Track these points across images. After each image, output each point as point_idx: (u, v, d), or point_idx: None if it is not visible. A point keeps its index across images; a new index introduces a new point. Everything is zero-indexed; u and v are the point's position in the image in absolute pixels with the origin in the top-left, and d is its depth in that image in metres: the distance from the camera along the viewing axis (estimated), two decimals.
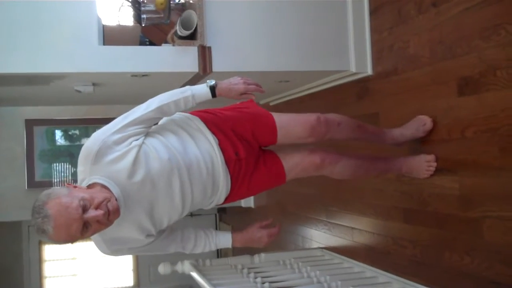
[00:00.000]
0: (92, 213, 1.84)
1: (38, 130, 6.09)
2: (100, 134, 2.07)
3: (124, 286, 8.10)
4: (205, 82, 2.28)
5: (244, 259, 4.16)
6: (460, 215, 2.73)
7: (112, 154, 2.03)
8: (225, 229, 7.56)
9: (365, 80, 3.58)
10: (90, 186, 2.00)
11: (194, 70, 3.29)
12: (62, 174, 6.45)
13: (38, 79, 3.51)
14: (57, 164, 6.49)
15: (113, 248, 2.16)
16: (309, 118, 2.49)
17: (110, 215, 1.90)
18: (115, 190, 1.99)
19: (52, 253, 7.90)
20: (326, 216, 4.34)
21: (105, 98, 4.76)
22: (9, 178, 5.82)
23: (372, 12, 3.50)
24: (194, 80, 3.51)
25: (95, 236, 2.05)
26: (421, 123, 2.90)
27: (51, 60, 3.13)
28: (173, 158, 2.13)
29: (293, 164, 2.49)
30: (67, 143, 6.89)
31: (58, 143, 6.75)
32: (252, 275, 3.70)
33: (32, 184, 5.92)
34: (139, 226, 2.12)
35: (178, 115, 2.35)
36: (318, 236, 4.51)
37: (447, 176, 2.80)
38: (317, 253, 4.32)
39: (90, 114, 6.00)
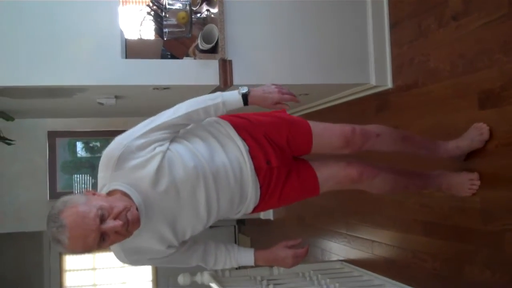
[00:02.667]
0: (110, 223, 1.75)
1: (60, 142, 6.18)
2: (123, 139, 1.97)
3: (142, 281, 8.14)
4: (237, 89, 2.17)
5: (264, 270, 4.17)
6: (480, 228, 2.72)
7: (134, 160, 1.92)
8: (244, 241, 7.59)
9: (385, 93, 3.59)
10: (110, 193, 1.91)
11: (215, 83, 3.33)
12: (83, 185, 6.52)
13: (61, 91, 3.57)
14: (78, 175, 6.57)
15: (132, 258, 2.07)
16: (344, 128, 2.36)
17: (130, 226, 1.80)
18: (136, 198, 1.89)
19: (72, 263, 7.97)
20: (346, 228, 4.34)
21: (127, 110, 4.82)
22: (31, 189, 5.91)
23: (392, 26, 3.52)
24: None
25: (114, 245, 1.96)
26: (477, 133, 2.68)
27: (74, 73, 3.19)
28: (199, 165, 2.01)
29: (328, 176, 2.37)
30: (88, 155, 6.97)
31: (79, 155, 6.84)
32: (271, 287, 3.72)
33: (54, 195, 6.00)
34: (160, 237, 2.02)
35: (207, 119, 2.21)
36: (338, 248, 4.50)
37: None
38: (337, 266, 4.32)
39: (112, 126, 6.07)
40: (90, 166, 6.76)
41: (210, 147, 2.11)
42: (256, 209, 2.29)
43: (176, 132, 2.10)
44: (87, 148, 6.89)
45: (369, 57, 3.57)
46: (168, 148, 1.99)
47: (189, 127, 2.17)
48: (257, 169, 2.18)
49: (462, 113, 2.84)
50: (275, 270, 4.15)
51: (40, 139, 5.95)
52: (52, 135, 6.06)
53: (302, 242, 2.35)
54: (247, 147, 2.17)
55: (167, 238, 2.04)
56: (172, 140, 2.06)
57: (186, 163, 1.98)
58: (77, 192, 6.38)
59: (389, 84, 3.53)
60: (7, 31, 3.10)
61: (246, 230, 7.85)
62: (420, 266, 3.26)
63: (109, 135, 6.41)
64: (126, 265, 2.21)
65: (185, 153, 2.01)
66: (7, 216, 5.82)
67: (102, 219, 1.74)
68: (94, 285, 8.06)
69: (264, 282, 3.86)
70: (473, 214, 2.76)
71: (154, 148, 1.96)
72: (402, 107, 3.43)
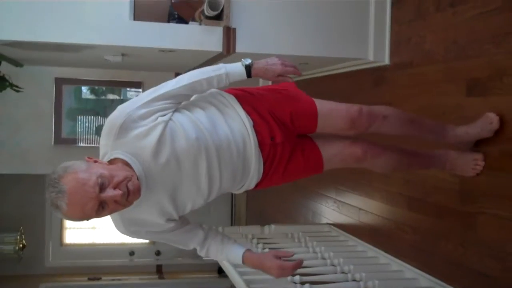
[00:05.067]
0: (109, 192, 1.73)
1: (67, 89, 6.32)
2: (126, 107, 1.93)
3: (140, 242, 8.32)
4: (240, 60, 2.14)
5: (255, 229, 4.37)
6: (458, 208, 2.88)
7: (136, 129, 1.88)
8: (241, 197, 7.77)
9: (382, 69, 3.70)
10: (111, 162, 1.88)
11: (218, 49, 3.45)
12: (87, 128, 6.68)
13: (69, 47, 3.70)
14: (83, 117, 6.72)
15: (130, 229, 2.04)
16: (350, 108, 2.31)
17: (130, 196, 1.78)
18: (137, 168, 1.86)
19: None
20: (336, 194, 4.51)
21: (132, 65, 4.94)
22: (36, 134, 6.09)
23: (395, 3, 3.61)
24: (217, 58, 3.66)
25: (114, 214, 1.93)
26: (487, 122, 2.62)
27: (83, 32, 3.32)
28: (202, 137, 1.97)
29: (333, 154, 2.33)
30: (93, 97, 7.09)
31: (84, 97, 6.95)
32: (260, 245, 3.91)
33: (59, 140, 6.19)
34: (160, 209, 1.99)
35: (211, 91, 2.17)
36: (327, 212, 4.69)
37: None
38: (325, 229, 4.51)
39: (117, 77, 6.21)
40: (95, 112, 6.92)
41: (213, 119, 2.06)
42: (259, 185, 2.25)
43: (179, 103, 2.06)
44: (92, 90, 7.03)
45: (369, 32, 3.66)
46: (170, 119, 1.95)
47: (192, 98, 2.14)
48: (261, 145, 2.14)
49: (450, 97, 2.96)
50: (266, 229, 4.35)
51: (47, 86, 6.10)
52: (59, 82, 6.20)
53: (292, 255, 2.22)
54: (251, 121, 2.13)
55: (167, 211, 2.01)
56: (175, 111, 2.01)
57: (188, 134, 1.94)
58: (81, 135, 6.55)
59: (386, 61, 3.63)
60: None
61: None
62: (401, 237, 3.44)
63: (115, 85, 6.58)
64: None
65: (188, 124, 1.98)
66: (13, 158, 6.02)
67: (102, 188, 1.72)
68: (93, 227, 8.31)
69: (255, 240, 4.05)
70: (452, 194, 2.92)
71: (157, 118, 1.92)
72: (397, 84, 3.55)
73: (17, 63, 5.02)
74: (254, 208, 7.40)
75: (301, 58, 3.81)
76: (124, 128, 1.88)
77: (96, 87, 6.92)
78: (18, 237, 6.95)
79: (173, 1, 3.75)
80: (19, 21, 3.21)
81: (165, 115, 1.95)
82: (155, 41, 3.45)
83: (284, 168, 2.23)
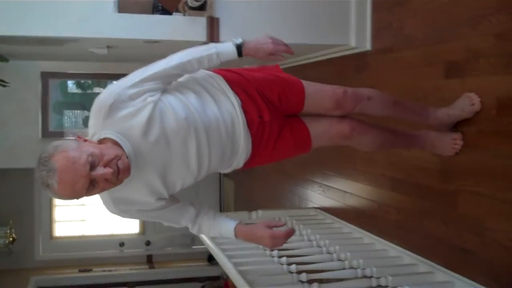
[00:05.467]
0: (100, 171, 1.75)
1: (53, 83, 6.36)
2: (115, 87, 1.95)
3: (129, 232, 8.45)
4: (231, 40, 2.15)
5: (243, 215, 4.45)
6: (439, 187, 2.98)
7: (126, 109, 1.91)
8: (228, 184, 7.86)
9: (364, 54, 3.78)
10: (101, 141, 1.89)
11: (202, 39, 3.50)
12: (74, 125, 6.73)
13: (52, 41, 3.73)
14: (69, 112, 6.76)
15: (120, 208, 2.06)
16: (336, 91, 2.38)
17: (120, 174, 1.80)
18: (127, 147, 1.88)
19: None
20: (321, 178, 4.61)
21: (118, 57, 4.98)
22: (24, 128, 6.12)
23: None
24: None
25: (103, 193, 1.95)
26: (468, 103, 2.68)
27: (66, 25, 3.34)
28: (191, 117, 2.00)
29: (320, 131, 2.39)
30: (79, 91, 7.11)
31: (69, 90, 6.97)
32: None
33: (46, 133, 6.24)
34: (150, 188, 2.01)
35: (199, 72, 2.19)
36: (314, 196, 4.79)
37: None
38: (311, 213, 4.60)
39: (103, 70, 6.24)
40: (81, 106, 6.96)
41: (202, 100, 2.09)
42: (249, 164, 2.30)
43: (169, 83, 2.07)
44: (78, 84, 7.06)
45: (350, 19, 3.74)
46: (159, 99, 1.97)
47: (181, 79, 2.14)
48: (249, 123, 2.18)
49: (429, 80, 3.06)
50: (254, 214, 4.43)
51: (33, 80, 6.13)
52: (45, 76, 6.23)
53: (283, 225, 2.22)
54: (239, 101, 2.16)
55: (157, 190, 2.03)
56: (164, 92, 2.03)
57: (177, 114, 1.97)
58: (68, 129, 6.59)
59: (368, 47, 3.72)
60: None
61: (230, 175, 8.09)
62: (386, 217, 3.54)
63: (101, 78, 6.63)
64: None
65: (177, 104, 2.00)
66: (1, 152, 6.05)
67: (92, 166, 1.74)
68: (83, 220, 8.34)
69: None
70: (433, 174, 3.01)
71: (146, 98, 1.94)
72: (378, 69, 3.64)
73: (2, 58, 5.04)
74: (241, 196, 7.48)
75: None
76: (113, 108, 1.90)
77: (82, 81, 6.95)
78: (8, 231, 6.97)
79: None
80: (1, 16, 3.24)
81: (154, 95, 1.97)
82: (140, 33, 3.50)
83: (273, 146, 2.28)
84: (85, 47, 4.02)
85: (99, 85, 7.00)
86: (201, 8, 3.51)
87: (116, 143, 1.88)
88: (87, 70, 6.32)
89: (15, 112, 6.07)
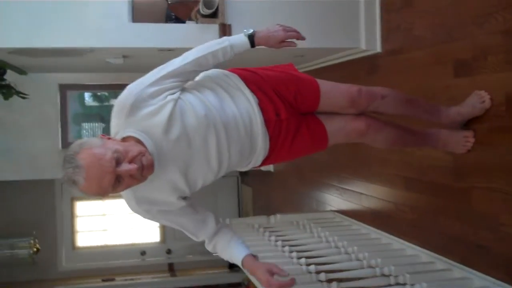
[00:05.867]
0: (125, 166, 1.78)
1: (71, 94, 6.45)
2: (135, 87, 1.97)
3: (150, 241, 8.53)
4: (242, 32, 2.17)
5: (261, 219, 4.50)
6: (453, 185, 3.00)
7: (147, 108, 1.94)
8: (246, 191, 7.90)
9: (375, 57, 3.83)
10: (123, 140, 1.93)
11: None
12: (92, 133, 6.83)
13: (72, 52, 3.83)
14: (88, 124, 6.87)
15: (143, 207, 2.08)
16: (350, 89, 2.41)
17: (144, 170, 1.84)
18: (149, 145, 1.92)
19: (83, 209, 8.35)
20: (338, 181, 4.64)
21: (134, 68, 5.06)
22: (44, 139, 6.21)
23: None
24: None
25: (126, 192, 1.98)
26: (479, 100, 2.71)
27: (84, 36, 3.46)
28: (210, 114, 2.03)
29: (336, 128, 2.40)
30: (96, 104, 7.21)
31: (86, 103, 7.08)
32: (267, 233, 4.03)
33: (66, 144, 6.30)
34: (172, 185, 2.04)
35: (215, 71, 2.23)
36: (331, 200, 4.82)
37: None
38: (329, 216, 4.63)
39: (119, 81, 6.31)
40: (100, 118, 7.06)
41: (220, 97, 2.12)
42: (266, 161, 2.32)
43: (186, 80, 2.10)
44: (95, 97, 7.16)
45: (360, 22, 3.79)
46: (179, 97, 2.00)
47: (197, 78, 2.19)
48: (267, 122, 2.20)
49: (439, 79, 3.09)
50: (272, 218, 4.47)
51: (51, 92, 6.22)
52: (63, 88, 6.33)
53: (286, 275, 2.14)
54: (256, 99, 2.18)
55: (179, 187, 2.06)
56: (183, 90, 2.06)
57: (197, 112, 2.00)
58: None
59: (378, 49, 3.76)
60: None
61: (248, 181, 8.14)
62: (401, 217, 3.56)
63: (117, 89, 6.70)
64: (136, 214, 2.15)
65: (196, 102, 2.02)
66: (23, 164, 6.15)
67: (118, 162, 1.78)
68: (105, 230, 8.45)
69: (261, 229, 4.18)
70: (446, 172, 3.04)
71: (166, 97, 1.97)
72: (389, 71, 3.67)
73: (21, 71, 5.15)
74: (260, 201, 7.53)
75: (296, 51, 3.93)
76: (134, 107, 1.93)
77: (99, 93, 7.06)
78: (32, 241, 7.09)
79: (169, 2, 3.89)
80: (21, 29, 3.36)
81: (173, 93, 2.00)
82: (154, 42, 3.58)
83: (290, 144, 2.29)
84: (102, 57, 4.11)
85: (115, 97, 7.09)
86: (213, 15, 3.58)
87: (139, 141, 1.92)
88: (103, 81, 6.42)
89: (35, 124, 6.17)
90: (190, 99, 2.03)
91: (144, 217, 2.15)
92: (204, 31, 3.57)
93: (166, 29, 3.62)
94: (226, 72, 2.25)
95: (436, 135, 2.78)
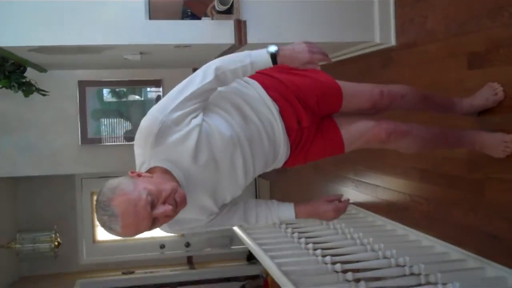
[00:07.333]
0: (161, 209, 1.76)
1: (90, 91, 6.56)
2: (157, 114, 1.89)
3: (169, 235, 8.58)
4: (266, 47, 2.06)
5: None
6: (466, 176, 3.04)
7: (173, 136, 1.88)
8: (264, 184, 7.96)
9: (389, 50, 3.86)
10: (150, 170, 1.90)
11: (231, 41, 3.64)
12: (111, 128, 6.93)
13: (90, 49, 3.91)
14: (106, 119, 6.97)
15: (174, 228, 2.11)
16: (372, 91, 2.42)
17: (178, 207, 1.82)
18: (178, 175, 1.90)
19: None
20: (353, 174, 4.68)
21: (150, 64, 5.15)
22: (64, 135, 6.34)
23: None
24: (231, 50, 3.84)
25: None
26: (491, 92, 2.72)
27: (103, 34, 3.53)
28: (234, 133, 2.00)
29: (356, 135, 2.37)
30: (114, 99, 7.31)
31: (105, 99, 7.19)
32: (289, 230, 4.06)
33: (85, 140, 6.44)
34: (201, 207, 2.05)
35: (235, 80, 2.16)
36: (346, 192, 4.85)
37: None
38: None
39: (137, 76, 6.43)
40: (119, 114, 7.16)
41: (242, 110, 2.09)
42: (284, 165, 2.34)
43: (207, 99, 2.03)
44: (113, 93, 7.27)
45: (374, 16, 3.82)
46: (203, 120, 1.95)
47: (220, 89, 2.12)
48: (288, 130, 2.20)
49: (453, 72, 3.12)
50: None
51: (71, 89, 6.34)
52: (82, 85, 6.44)
53: (341, 196, 2.35)
54: (277, 106, 2.17)
55: (208, 208, 2.06)
56: (205, 109, 2.01)
57: (222, 134, 1.96)
58: (106, 136, 6.75)
59: (393, 42, 3.79)
60: None
61: (265, 174, 8.18)
62: (416, 208, 3.60)
63: (135, 84, 6.82)
64: None
65: (220, 123, 1.99)
66: (43, 160, 6.28)
67: (152, 205, 1.75)
68: None
69: (283, 226, 4.23)
70: (460, 163, 3.07)
71: (190, 121, 1.92)
72: (403, 64, 3.70)
73: (41, 69, 5.25)
74: (277, 194, 7.57)
75: None
76: (160, 136, 1.87)
77: (117, 89, 7.15)
78: (53, 235, 7.20)
79: None
80: (42, 28, 3.43)
81: (197, 116, 1.95)
82: (171, 38, 3.64)
83: (307, 150, 2.31)
84: (120, 54, 4.18)
85: (134, 93, 7.19)
86: (228, 11, 3.63)
87: (167, 171, 1.89)
88: (121, 78, 6.52)
89: (55, 120, 6.29)
90: (214, 120, 1.99)
91: (176, 233, 2.18)
92: (219, 27, 3.63)
93: (182, 26, 3.68)
94: (246, 79, 2.23)
95: (472, 137, 2.71)
